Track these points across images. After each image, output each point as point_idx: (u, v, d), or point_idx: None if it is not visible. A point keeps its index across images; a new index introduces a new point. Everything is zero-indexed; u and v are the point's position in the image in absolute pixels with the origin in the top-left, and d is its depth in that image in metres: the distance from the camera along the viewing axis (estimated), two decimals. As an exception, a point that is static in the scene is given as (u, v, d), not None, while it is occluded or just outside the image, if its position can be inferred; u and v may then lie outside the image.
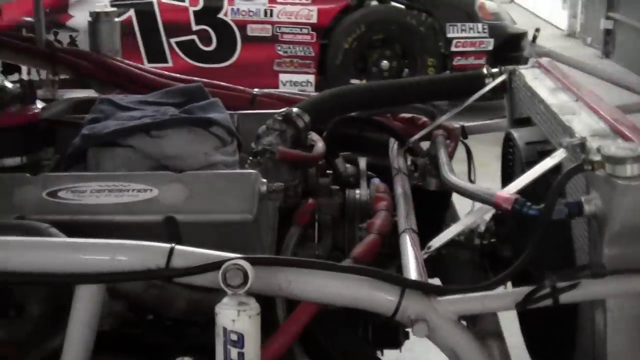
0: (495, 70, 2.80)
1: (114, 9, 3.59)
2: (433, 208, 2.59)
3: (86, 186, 2.09)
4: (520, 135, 2.38)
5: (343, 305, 1.79)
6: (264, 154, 2.28)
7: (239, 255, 1.67)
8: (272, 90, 3.09)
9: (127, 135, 2.24)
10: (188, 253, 1.72)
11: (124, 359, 2.07)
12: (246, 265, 1.62)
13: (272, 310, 2.05)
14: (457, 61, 7.75)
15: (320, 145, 2.50)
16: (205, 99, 2.46)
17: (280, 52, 7.79)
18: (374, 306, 1.75)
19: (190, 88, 2.57)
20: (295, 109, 2.48)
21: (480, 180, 2.61)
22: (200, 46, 7.72)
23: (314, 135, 2.56)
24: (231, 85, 3.15)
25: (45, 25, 3.49)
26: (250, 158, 2.29)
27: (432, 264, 2.16)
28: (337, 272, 1.74)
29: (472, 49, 7.80)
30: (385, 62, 7.85)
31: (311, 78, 7.83)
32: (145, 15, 7.63)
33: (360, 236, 2.27)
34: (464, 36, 7.77)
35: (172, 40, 7.68)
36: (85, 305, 1.74)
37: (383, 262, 2.20)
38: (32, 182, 2.11)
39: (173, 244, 1.73)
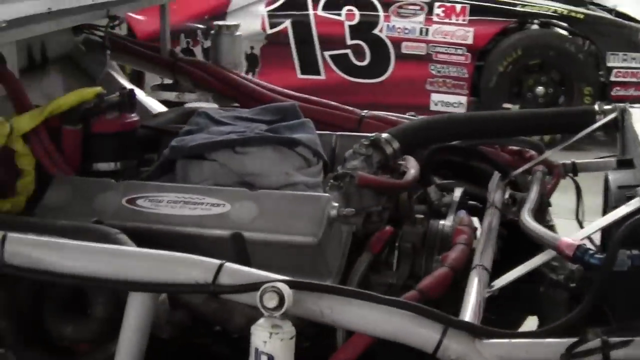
0: (607, 107, 2.71)
1: (237, 22, 3.66)
2: (524, 245, 2.52)
3: (164, 196, 2.16)
4: (614, 178, 2.29)
5: (383, 337, 1.77)
6: (344, 177, 2.28)
7: (279, 278, 1.68)
8: (382, 113, 3.07)
9: (212, 150, 2.30)
10: (235, 271, 1.75)
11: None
12: (284, 288, 1.63)
13: (333, 336, 2.05)
14: (616, 92, 7.48)
15: (412, 172, 2.47)
16: (297, 118, 2.49)
17: (434, 72, 7.75)
18: (414, 341, 1.72)
19: (284, 106, 2.60)
20: (384, 135, 2.47)
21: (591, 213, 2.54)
22: (354, 61, 7.77)
23: (410, 162, 2.54)
24: (341, 105, 3.15)
25: (205, 31, 3.57)
26: (331, 181, 2.30)
27: (526, 300, 2.09)
28: (379, 304, 1.72)
29: (634, 79, 7.51)
30: (540, 88, 7.68)
31: (463, 99, 7.74)
32: (301, 26, 7.75)
33: (435, 268, 2.23)
34: (625, 66, 7.49)
35: (326, 54, 7.77)
36: (136, 312, 1.80)
37: (458, 296, 2.16)
38: (113, 188, 2.20)
39: (223, 261, 1.76)
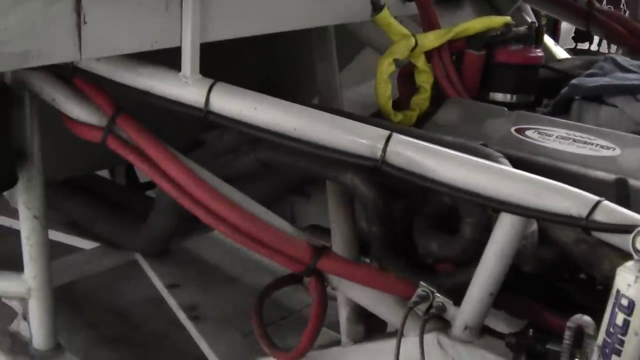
0: None
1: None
2: None
3: (554, 131, 2.10)
4: None
5: None
6: None
7: (659, 224, 1.56)
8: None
9: (612, 93, 2.19)
10: (612, 210, 1.65)
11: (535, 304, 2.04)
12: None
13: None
14: None
15: None
16: None
17: None
18: None
19: None
20: None
21: None
22: None
23: None
24: None
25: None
26: None
27: None
28: None
29: None
30: None
31: None
32: None
33: None
34: None
35: None
36: (504, 235, 1.77)
37: None
38: (505, 116, 2.18)
39: (602, 199, 1.68)
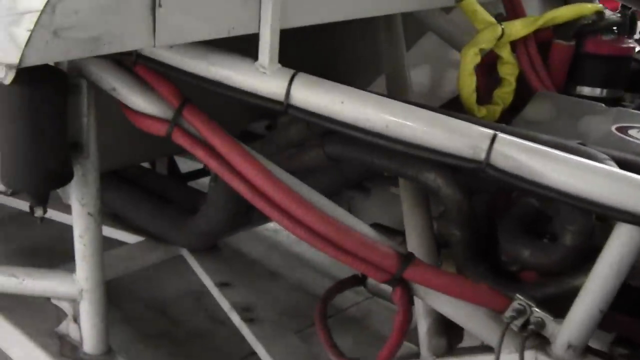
0: None
1: None
2: None
3: (659, 131, 1.93)
4: None
5: None
6: None
7: None
8: None
9: None
10: None
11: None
12: None
13: None
14: None
15: None
16: None
17: None
18: None
19: None
20: None
21: None
22: None
23: None
24: None
25: None
26: None
27: None
28: None
29: None
30: None
31: None
32: None
33: None
34: None
35: None
36: (620, 246, 1.60)
37: None
38: (603, 113, 2.00)
39: None
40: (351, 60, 2.85)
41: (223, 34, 1.71)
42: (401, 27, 2.50)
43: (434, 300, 1.88)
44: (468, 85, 2.13)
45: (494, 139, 1.65)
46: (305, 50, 2.58)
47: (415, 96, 2.56)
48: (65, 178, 1.95)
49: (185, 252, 3.03)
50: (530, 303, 1.74)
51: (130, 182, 3.06)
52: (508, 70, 2.20)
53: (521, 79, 2.23)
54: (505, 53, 2.18)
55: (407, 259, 1.83)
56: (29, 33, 1.41)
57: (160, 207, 2.97)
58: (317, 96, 1.75)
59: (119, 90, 1.92)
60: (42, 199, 1.94)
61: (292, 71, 1.78)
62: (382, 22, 2.50)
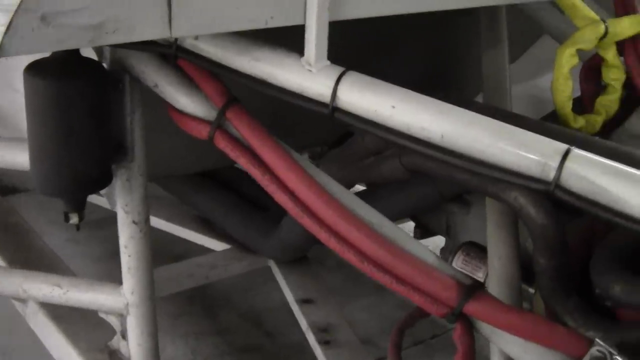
0: None
1: None
2: None
3: None
4: None
5: None
6: None
7: None
8: None
9: None
10: None
11: None
12: None
13: None
14: None
15: None
16: None
17: None
18: None
19: None
20: None
21: None
22: None
23: None
24: None
25: None
26: None
27: None
28: None
29: None
30: None
31: None
32: None
33: None
34: None
35: None
36: None
37: None
38: None
39: None
40: (457, 70, 2.62)
41: (260, 24, 1.50)
42: (505, 26, 2.23)
43: (502, 341, 1.60)
44: (562, 91, 1.83)
45: (566, 154, 1.37)
46: (405, 58, 2.38)
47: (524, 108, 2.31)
48: (102, 182, 1.79)
49: (271, 263, 2.86)
50: (612, 350, 1.45)
51: (223, 185, 2.92)
52: (614, 75, 1.89)
53: (628, 86, 1.92)
54: (610, 55, 1.87)
55: (470, 290, 1.56)
56: (9, 18, 1.23)
57: (251, 214, 2.80)
58: (365, 98, 1.51)
59: (161, 87, 1.74)
60: (77, 204, 1.78)
61: (341, 69, 1.54)
62: (484, 21, 2.24)
